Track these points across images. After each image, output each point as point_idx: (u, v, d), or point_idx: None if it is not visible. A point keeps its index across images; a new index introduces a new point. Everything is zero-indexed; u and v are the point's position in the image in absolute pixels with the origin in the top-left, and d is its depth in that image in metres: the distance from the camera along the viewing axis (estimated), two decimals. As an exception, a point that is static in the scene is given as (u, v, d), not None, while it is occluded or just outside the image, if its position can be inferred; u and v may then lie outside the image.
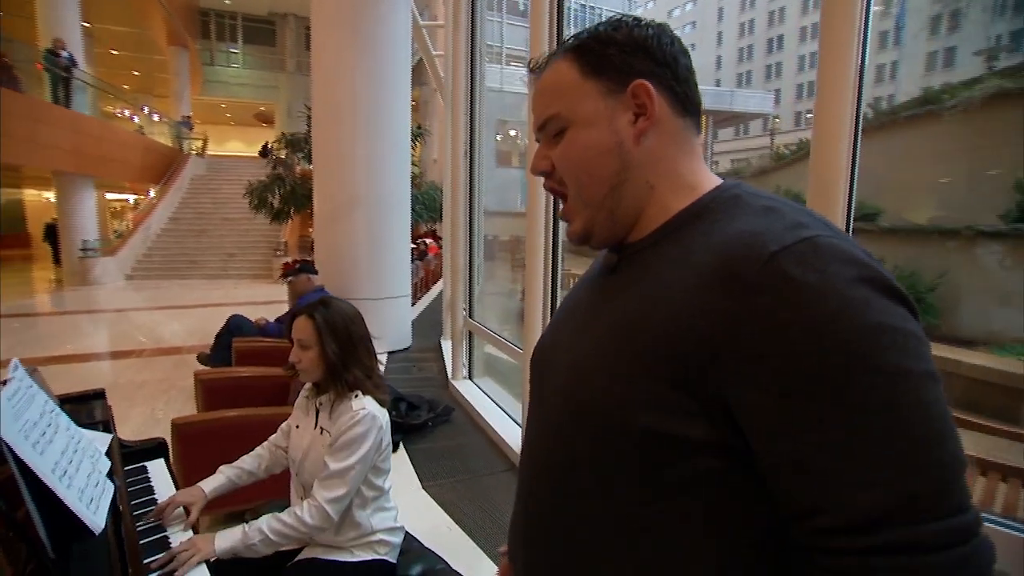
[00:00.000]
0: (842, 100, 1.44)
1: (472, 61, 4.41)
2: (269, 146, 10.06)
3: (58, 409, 1.15)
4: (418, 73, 15.78)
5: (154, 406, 4.00)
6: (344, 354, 1.37)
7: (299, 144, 9.01)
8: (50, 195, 14.32)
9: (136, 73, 20.06)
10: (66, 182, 10.82)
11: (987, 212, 6.07)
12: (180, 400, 4.06)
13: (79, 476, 1.01)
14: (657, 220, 0.57)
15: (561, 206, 0.62)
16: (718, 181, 0.57)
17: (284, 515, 1.31)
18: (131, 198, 18.68)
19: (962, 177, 6.97)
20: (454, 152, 4.85)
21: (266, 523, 1.29)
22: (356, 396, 1.36)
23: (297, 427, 1.46)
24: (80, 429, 1.23)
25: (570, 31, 2.73)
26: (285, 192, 8.74)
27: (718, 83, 45.52)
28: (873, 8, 1.43)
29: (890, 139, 7.74)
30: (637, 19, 0.57)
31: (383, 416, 1.38)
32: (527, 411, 0.69)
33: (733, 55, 48.61)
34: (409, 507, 2.43)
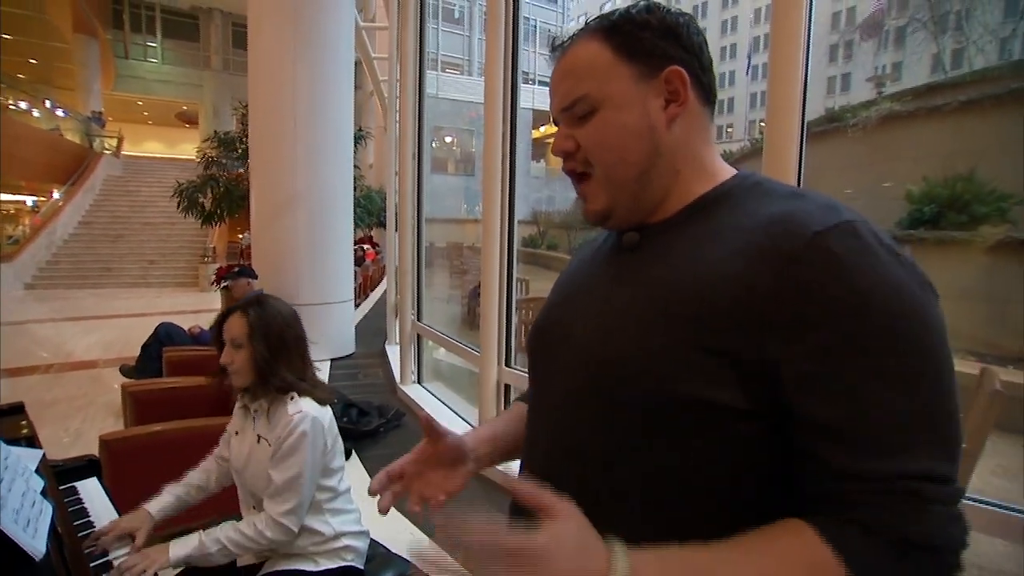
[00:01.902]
0: (792, 110, 1.53)
1: (420, 66, 4.35)
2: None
3: (-20, 422, 1.00)
4: (358, 75, 15.44)
5: (68, 425, 3.63)
6: (273, 357, 1.28)
7: (233, 144, 8.52)
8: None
9: (33, 61, 18.16)
10: (-46, 181, 9.73)
11: (885, 220, 6.66)
12: (101, 416, 3.72)
13: (12, 497, 0.89)
14: (679, 203, 0.58)
15: (578, 186, 0.61)
16: (734, 171, 0.59)
17: (243, 525, 1.23)
18: (29, 200, 17.01)
19: (863, 188, 7.67)
20: (401, 156, 4.74)
21: (224, 533, 1.21)
22: (292, 399, 1.28)
23: (237, 433, 1.37)
24: (7, 446, 1.08)
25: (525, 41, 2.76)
26: (218, 193, 8.22)
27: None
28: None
29: (832, 146, 8.39)
30: (667, 8, 0.57)
31: (325, 414, 1.30)
32: (530, 396, 0.67)
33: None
34: (367, 514, 2.32)
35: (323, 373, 4.45)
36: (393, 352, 4.84)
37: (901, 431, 0.43)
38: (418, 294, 4.64)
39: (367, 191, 11.41)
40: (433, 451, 0.68)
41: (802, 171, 1.56)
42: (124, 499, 1.97)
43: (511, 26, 2.63)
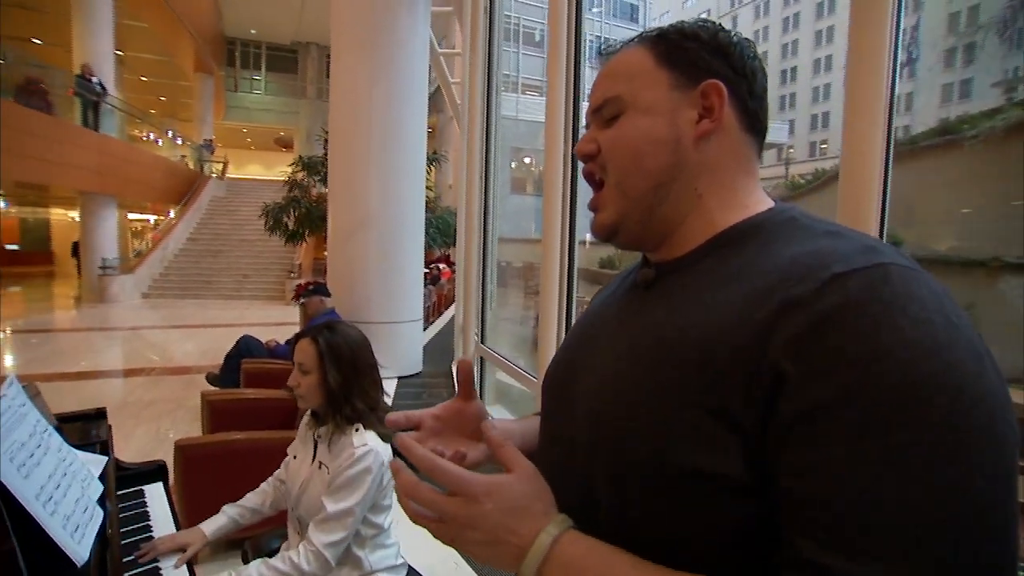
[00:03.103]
0: (873, 126, 1.38)
1: (488, 88, 4.45)
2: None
3: (51, 429, 1.09)
4: (436, 100, 16.13)
5: (160, 425, 3.95)
6: (346, 383, 1.29)
7: (316, 167, 9.14)
8: (75, 214, 14.65)
9: (163, 98, 20.76)
10: (90, 202, 11.09)
11: (1013, 243, 5.91)
12: (187, 420, 4.01)
13: (66, 502, 0.95)
14: (700, 235, 0.52)
15: (591, 196, 0.57)
16: (771, 203, 0.53)
17: (277, 561, 1.23)
18: (152, 218, 19.07)
19: (984, 207, 6.84)
20: (469, 178, 4.86)
21: (256, 569, 1.21)
22: (357, 430, 1.28)
23: (295, 458, 1.39)
24: (74, 451, 1.17)
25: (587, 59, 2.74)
26: (300, 213, 8.83)
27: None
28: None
29: (908, 169, 7.66)
30: (726, 29, 0.54)
31: (386, 452, 1.29)
32: (540, 441, 0.62)
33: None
34: (413, 541, 2.31)
35: (389, 391, 4.57)
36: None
37: (881, 531, 0.35)
38: (482, 315, 4.68)
39: (444, 211, 11.79)
40: (458, 411, 0.63)
41: (887, 195, 1.41)
42: (193, 502, 2.12)
43: (573, 44, 2.62)
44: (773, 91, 45.71)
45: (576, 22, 2.61)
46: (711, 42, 0.52)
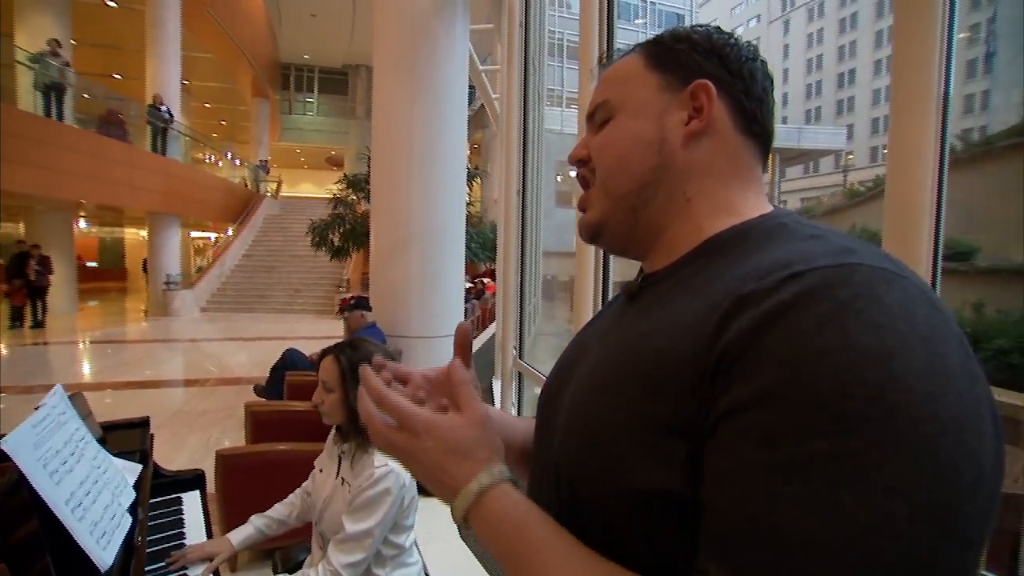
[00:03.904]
0: (922, 129, 1.29)
1: (525, 102, 4.48)
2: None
3: (88, 437, 1.15)
4: (482, 117, 16.40)
5: (211, 434, 4.12)
6: None
7: (360, 184, 9.43)
8: (144, 233, 15.66)
9: (223, 123, 22.05)
10: (157, 221, 11.84)
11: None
12: (236, 430, 4.15)
13: (95, 508, 0.99)
14: (687, 243, 0.49)
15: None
16: (768, 209, 0.49)
17: None
18: (212, 236, 20.15)
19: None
20: (507, 192, 4.88)
21: None
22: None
23: (321, 471, 1.41)
24: (111, 458, 1.23)
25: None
26: (345, 230, 9.11)
27: (784, 120, 44.71)
28: (958, 36, 1.29)
29: (984, 172, 7.14)
30: (728, 33, 0.52)
31: (407, 472, 1.28)
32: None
33: (800, 91, 47.66)
34: (444, 559, 2.32)
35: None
36: (497, 388, 4.88)
37: (768, 549, 0.31)
38: (520, 330, 4.66)
39: (488, 226, 11.91)
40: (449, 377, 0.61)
41: (942, 202, 1.31)
42: (231, 509, 2.18)
43: (603, 54, 2.60)
44: (829, 95, 44.46)
45: (608, 34, 2.59)
46: (703, 44, 0.51)
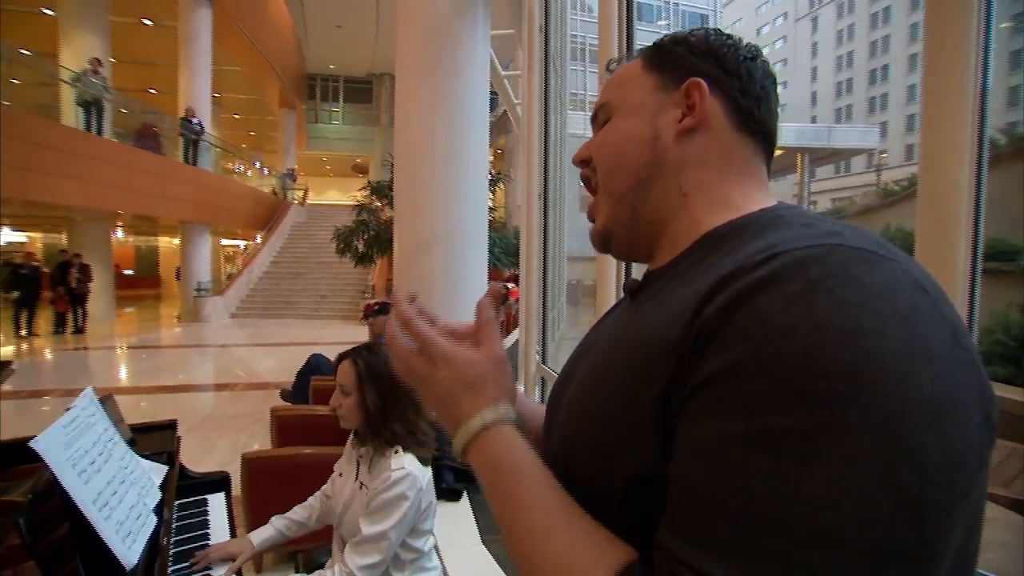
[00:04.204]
0: (957, 125, 1.24)
1: (546, 106, 4.48)
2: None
3: (117, 438, 1.18)
4: (505, 122, 16.46)
5: (240, 438, 4.20)
6: (384, 406, 1.28)
7: (383, 191, 9.55)
8: (177, 241, 16.13)
9: (252, 133, 22.61)
10: (188, 230, 12.19)
11: None
12: (263, 434, 4.22)
13: (121, 508, 1.02)
14: (687, 238, 0.50)
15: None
16: (768, 205, 0.49)
17: None
18: (242, 244, 20.64)
19: None
20: (528, 197, 4.88)
21: None
22: (396, 453, 1.27)
23: (340, 475, 1.42)
24: (138, 459, 1.25)
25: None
26: (369, 236, 9.22)
27: (813, 119, 43.67)
28: (1000, 25, 1.24)
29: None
30: (727, 35, 0.53)
31: (424, 476, 1.28)
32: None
33: (830, 90, 46.57)
34: (465, 564, 2.31)
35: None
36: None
37: (720, 521, 0.32)
38: (543, 335, 4.64)
39: (511, 231, 11.92)
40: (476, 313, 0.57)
41: (981, 201, 1.26)
42: (256, 511, 2.21)
43: (612, 60, 2.58)
44: (860, 93, 43.24)
45: (627, 36, 2.57)
46: (700, 45, 0.52)
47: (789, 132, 25.19)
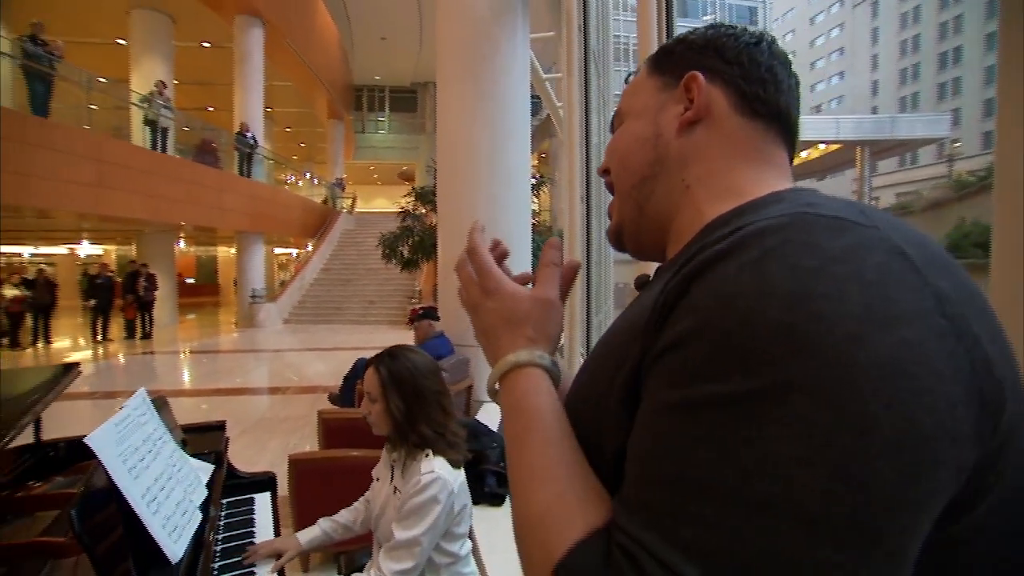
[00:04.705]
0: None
1: (587, 108, 4.43)
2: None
3: (167, 437, 1.22)
4: (549, 126, 16.45)
5: (290, 440, 4.33)
6: (409, 410, 1.27)
7: (428, 196, 9.71)
8: (234, 250, 16.93)
9: (302, 145, 23.54)
10: (244, 239, 12.76)
11: None
12: (313, 436, 4.34)
13: (168, 503, 1.05)
14: (690, 231, 0.48)
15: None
16: (783, 187, 0.46)
17: None
18: (294, 252, 21.43)
19: None
20: (570, 199, 4.84)
21: None
22: (427, 456, 1.26)
23: (377, 480, 1.42)
24: (187, 458, 1.30)
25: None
26: (414, 242, 9.39)
27: (874, 110, 41.44)
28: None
29: None
30: (729, 26, 0.53)
31: (456, 479, 1.27)
32: None
33: (893, 77, 44.02)
34: (507, 569, 2.29)
35: (496, 415, 4.61)
36: None
37: (658, 487, 0.32)
38: (587, 339, 4.58)
39: (551, 235, 11.89)
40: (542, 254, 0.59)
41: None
42: (303, 511, 2.27)
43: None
44: (928, 78, 40.52)
45: (667, 34, 2.50)
46: (698, 40, 0.52)
47: (847, 125, 23.99)
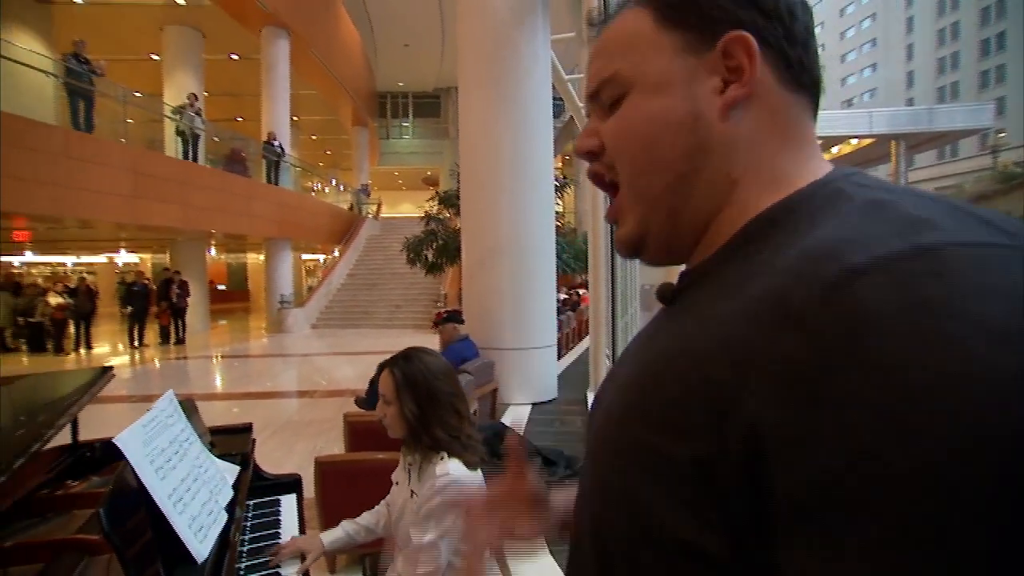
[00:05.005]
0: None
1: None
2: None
3: (193, 438, 1.24)
4: (572, 128, 16.41)
5: (317, 443, 4.39)
6: (423, 413, 1.26)
7: (451, 200, 9.78)
8: (263, 257, 17.32)
9: (328, 152, 24.05)
10: (272, 246, 13.05)
11: None
12: (339, 439, 4.39)
13: (194, 503, 1.06)
14: (731, 229, 0.40)
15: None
16: (823, 173, 0.39)
17: None
18: (321, 257, 21.81)
19: None
20: (593, 201, 4.80)
21: None
22: (442, 459, 1.26)
23: (396, 483, 1.42)
24: (213, 459, 1.32)
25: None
26: (438, 245, 9.47)
27: (910, 102, 40.07)
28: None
29: None
30: None
31: (471, 480, 1.25)
32: None
33: (930, 67, 42.42)
34: (532, 573, 2.26)
35: (523, 417, 4.59)
36: (592, 399, 4.77)
37: None
38: (613, 341, 4.54)
39: (575, 237, 11.84)
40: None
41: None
42: (329, 513, 2.29)
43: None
44: (969, 67, 38.85)
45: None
46: None
47: (881, 118, 23.17)
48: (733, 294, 0.34)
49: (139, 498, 0.97)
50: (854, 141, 24.83)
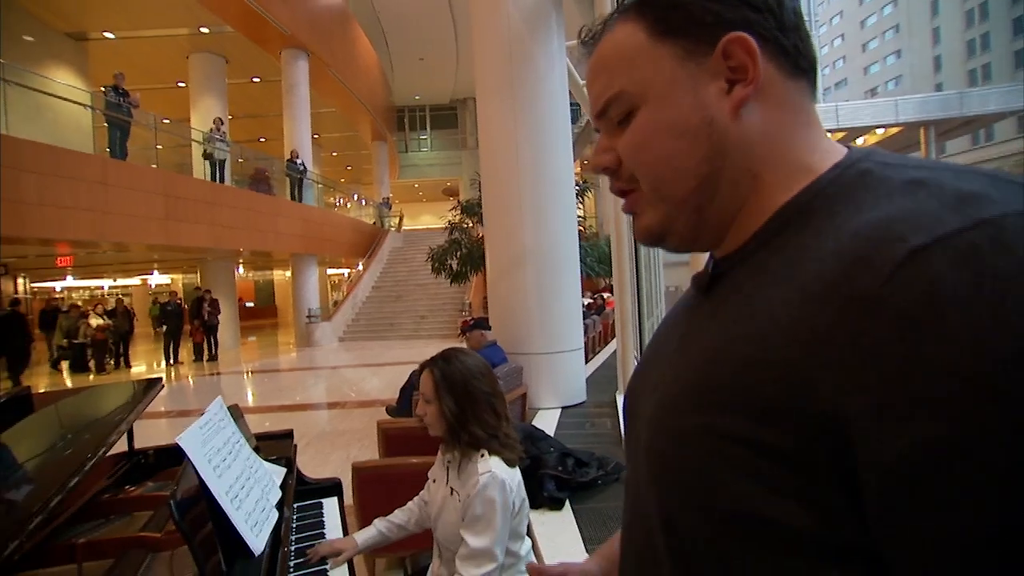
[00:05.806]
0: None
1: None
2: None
3: (243, 441, 1.30)
4: (590, 132, 16.43)
5: (350, 451, 4.47)
6: (462, 411, 1.29)
7: (473, 209, 9.87)
8: (289, 274, 17.67)
9: (349, 168, 24.45)
10: (298, 262, 13.32)
11: None
12: (372, 447, 4.46)
13: (248, 500, 1.12)
14: (760, 218, 0.42)
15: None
16: (840, 154, 0.41)
17: None
18: (345, 271, 22.16)
19: None
20: (616, 205, 4.80)
21: None
22: (483, 456, 1.28)
23: (434, 481, 1.45)
24: (261, 461, 1.37)
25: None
26: (462, 254, 9.56)
27: (938, 87, 38.88)
28: None
29: None
30: None
31: (513, 476, 1.29)
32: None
33: (959, 50, 41.07)
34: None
35: (552, 421, 4.60)
36: (620, 402, 4.75)
37: None
38: (640, 343, 4.52)
39: (598, 241, 11.80)
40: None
41: None
42: (367, 516, 2.33)
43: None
44: (1001, 47, 37.41)
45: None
46: None
47: (908, 106, 22.41)
48: (780, 280, 0.36)
49: (199, 494, 1.03)
50: (880, 131, 24.18)
